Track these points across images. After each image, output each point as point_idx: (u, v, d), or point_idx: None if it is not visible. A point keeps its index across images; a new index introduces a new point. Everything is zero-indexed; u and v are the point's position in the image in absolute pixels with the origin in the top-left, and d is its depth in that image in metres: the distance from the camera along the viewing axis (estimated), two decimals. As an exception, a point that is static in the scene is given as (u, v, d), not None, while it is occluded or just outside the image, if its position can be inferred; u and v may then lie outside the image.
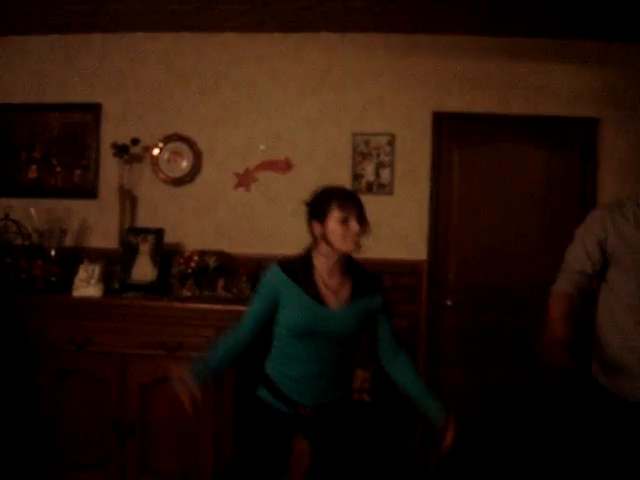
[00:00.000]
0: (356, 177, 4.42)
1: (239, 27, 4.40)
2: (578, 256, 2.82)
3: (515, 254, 4.41)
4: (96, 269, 4.07)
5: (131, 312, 3.90)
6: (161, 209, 4.49)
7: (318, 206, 2.63)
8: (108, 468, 3.89)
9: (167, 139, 4.49)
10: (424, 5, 3.90)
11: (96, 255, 4.26)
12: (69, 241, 4.42)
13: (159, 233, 4.25)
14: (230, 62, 4.51)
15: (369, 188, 4.40)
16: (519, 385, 4.36)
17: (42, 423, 3.92)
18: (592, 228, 2.82)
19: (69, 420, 3.93)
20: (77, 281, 4.05)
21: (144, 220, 4.49)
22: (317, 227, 2.61)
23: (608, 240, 2.75)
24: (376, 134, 4.43)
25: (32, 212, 4.35)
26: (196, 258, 4.11)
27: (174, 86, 4.55)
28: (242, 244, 4.42)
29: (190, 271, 4.06)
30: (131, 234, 4.28)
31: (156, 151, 4.49)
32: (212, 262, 4.08)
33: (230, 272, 4.10)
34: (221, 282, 4.04)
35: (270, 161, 4.46)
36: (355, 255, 2.65)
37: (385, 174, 4.41)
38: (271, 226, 4.45)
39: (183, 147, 4.49)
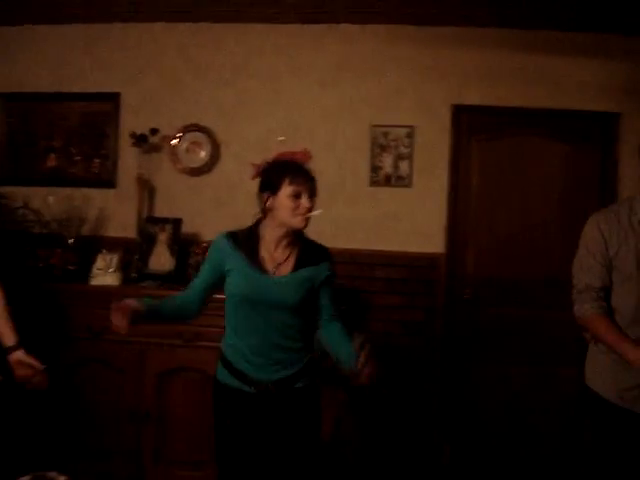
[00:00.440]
0: (374, 169, 4.49)
1: (258, 18, 4.48)
2: (593, 270, 2.75)
3: (533, 248, 4.47)
4: (114, 258, 4.20)
5: (148, 301, 4.00)
6: (179, 199, 4.59)
7: (271, 178, 2.70)
8: (123, 456, 4.01)
9: (186, 129, 4.59)
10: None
11: (114, 244, 4.39)
12: (87, 230, 4.54)
13: (177, 223, 4.36)
14: (249, 53, 4.61)
15: (387, 180, 4.48)
16: (537, 379, 4.42)
17: (59, 410, 4.05)
18: (594, 237, 2.76)
19: (86, 407, 4.04)
20: (95, 270, 4.17)
21: (162, 210, 4.60)
22: (268, 199, 2.66)
23: (609, 248, 2.72)
24: (395, 126, 4.50)
25: (50, 201, 4.47)
26: (214, 248, 4.21)
27: (193, 76, 4.65)
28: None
29: (207, 261, 4.17)
30: (149, 224, 4.40)
31: (174, 141, 4.59)
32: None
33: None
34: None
35: (288, 151, 4.53)
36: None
37: (404, 166, 4.49)
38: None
39: (201, 137, 4.58)
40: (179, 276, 4.21)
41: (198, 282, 2.79)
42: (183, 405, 3.96)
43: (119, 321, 2.50)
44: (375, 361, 2.51)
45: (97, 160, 4.70)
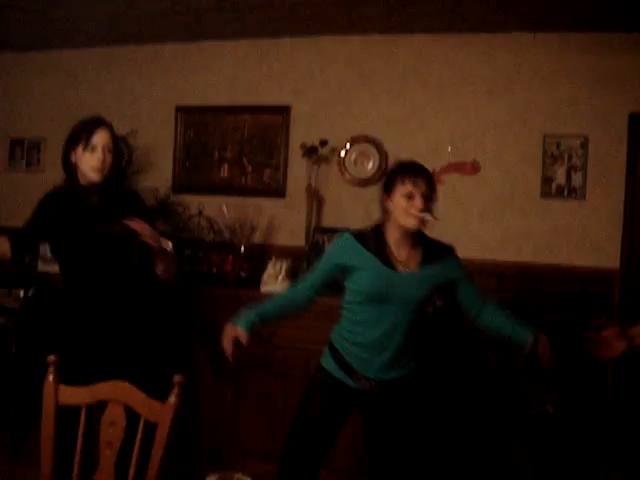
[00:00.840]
0: (546, 180, 4.48)
1: (428, 28, 4.59)
2: None
3: None
4: (284, 265, 4.43)
5: (318, 309, 4.17)
6: (347, 209, 4.76)
7: (387, 180, 2.78)
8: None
9: (354, 140, 4.77)
10: (620, 1, 3.89)
11: (283, 252, 4.62)
12: (258, 238, 4.81)
13: (341, 232, 4.54)
14: (417, 63, 4.72)
15: (559, 192, 4.46)
16: None
17: (226, 412, 4.33)
18: None
19: (252, 411, 4.30)
20: (265, 276, 4.41)
21: (330, 219, 4.80)
22: (385, 200, 2.76)
23: None
24: (568, 136, 4.47)
25: (224, 209, 4.78)
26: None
27: (361, 88, 4.82)
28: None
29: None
30: (318, 233, 4.62)
31: (343, 152, 4.78)
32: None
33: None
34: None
35: (457, 163, 4.64)
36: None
37: (577, 178, 4.44)
38: (457, 229, 4.59)
39: (370, 148, 4.75)
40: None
41: (313, 277, 2.93)
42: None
43: (228, 347, 2.76)
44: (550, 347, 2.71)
45: (268, 170, 4.97)
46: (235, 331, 2.78)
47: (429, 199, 2.73)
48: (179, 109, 5.18)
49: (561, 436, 4.30)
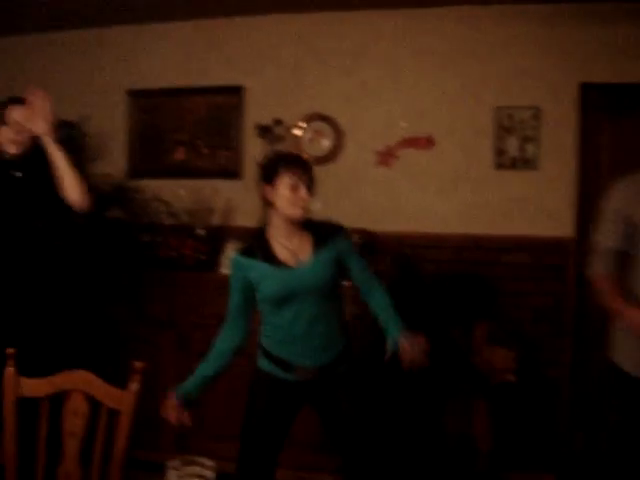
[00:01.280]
0: (500, 152, 4.53)
1: (378, 4, 4.59)
2: (604, 232, 2.87)
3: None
4: (243, 247, 4.44)
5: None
6: (305, 188, 4.78)
7: (269, 170, 2.81)
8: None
9: (309, 119, 4.79)
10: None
11: (242, 233, 4.59)
12: (216, 220, 4.81)
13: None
14: (369, 39, 4.73)
15: (513, 163, 4.53)
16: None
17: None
18: (614, 200, 2.87)
19: (218, 393, 4.28)
20: (225, 259, 4.42)
21: (287, 199, 4.81)
22: (267, 191, 2.79)
23: (633, 213, 2.78)
24: (520, 107, 4.52)
25: (182, 193, 4.78)
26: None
27: (314, 66, 4.82)
28: (384, 222, 4.64)
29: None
30: (273, 213, 4.63)
31: (298, 131, 4.80)
32: (355, 240, 4.34)
33: (373, 250, 4.36)
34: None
35: (411, 138, 4.67)
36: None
37: (530, 149, 4.50)
38: (413, 204, 4.65)
39: (325, 126, 4.77)
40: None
41: (234, 306, 2.94)
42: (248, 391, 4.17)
43: (178, 417, 2.82)
44: (422, 353, 2.77)
45: (223, 152, 4.97)
46: (172, 402, 2.81)
47: (311, 188, 2.78)
48: (130, 93, 5.14)
49: (522, 404, 4.40)
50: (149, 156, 5.13)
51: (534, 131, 4.50)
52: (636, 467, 2.85)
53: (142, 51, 5.11)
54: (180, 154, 5.04)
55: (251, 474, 2.98)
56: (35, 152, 3.24)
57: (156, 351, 4.33)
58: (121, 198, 4.82)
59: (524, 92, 4.53)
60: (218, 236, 4.67)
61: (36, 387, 2.25)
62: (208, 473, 1.68)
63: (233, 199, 4.89)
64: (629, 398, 2.87)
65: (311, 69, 4.82)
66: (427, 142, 4.62)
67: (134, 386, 2.17)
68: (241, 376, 4.13)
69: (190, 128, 5.03)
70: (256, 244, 2.87)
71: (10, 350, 2.25)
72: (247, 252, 2.86)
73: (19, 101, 3.20)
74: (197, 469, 1.69)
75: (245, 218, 4.78)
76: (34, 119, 3.11)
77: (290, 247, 2.81)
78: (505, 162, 4.54)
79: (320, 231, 2.87)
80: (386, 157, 4.63)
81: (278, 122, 4.69)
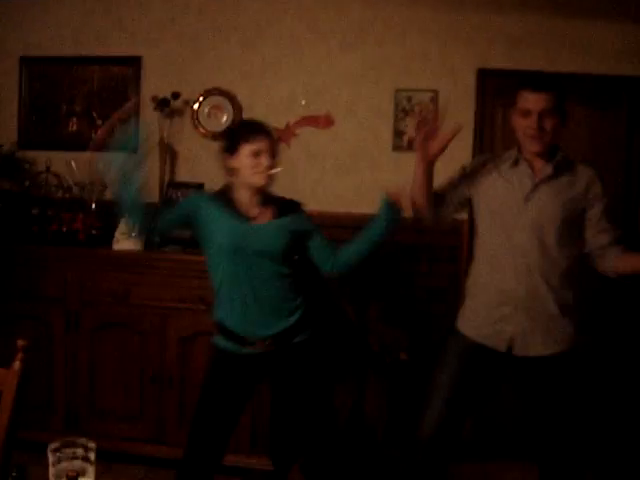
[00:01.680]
0: (398, 134, 4.59)
1: (280, -21, 4.55)
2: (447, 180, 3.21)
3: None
4: (136, 222, 4.35)
5: (171, 266, 4.16)
6: (201, 164, 4.70)
7: (231, 139, 2.86)
8: (146, 419, 4.21)
9: (207, 93, 4.72)
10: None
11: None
12: (110, 195, 4.69)
13: (199, 188, 4.50)
14: (271, 15, 4.69)
15: (411, 145, 4.58)
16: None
17: (82, 374, 4.26)
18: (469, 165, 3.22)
19: (108, 372, 4.25)
20: (118, 234, 4.31)
21: (184, 174, 4.75)
22: (228, 160, 2.84)
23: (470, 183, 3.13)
24: (419, 90, 4.58)
25: (73, 165, 4.64)
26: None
27: (214, 39, 4.75)
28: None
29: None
30: (171, 188, 4.56)
31: (196, 105, 4.73)
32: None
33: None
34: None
35: (311, 116, 4.66)
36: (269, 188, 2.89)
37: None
38: (311, 182, 4.66)
39: (223, 101, 4.71)
40: (201, 241, 4.33)
41: (168, 213, 3.02)
42: (205, 369, 4.12)
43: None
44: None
45: (119, 124, 4.84)
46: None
47: (274, 156, 2.80)
48: (23, 60, 4.95)
49: (416, 383, 4.46)
50: (41, 126, 4.95)
51: (432, 114, 4.54)
52: None
53: (36, 18, 4.91)
54: (74, 125, 4.88)
55: (201, 456, 2.93)
56: None
57: (46, 329, 4.22)
58: (11, 169, 4.66)
59: (423, 75, 4.61)
60: (111, 211, 4.54)
61: None
62: (90, 454, 1.63)
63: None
64: (463, 358, 3.13)
65: (211, 43, 4.75)
66: (326, 121, 4.63)
67: (16, 365, 2.09)
68: (132, 359, 4.12)
69: (85, 99, 4.89)
70: (220, 194, 2.90)
71: None
72: (212, 197, 2.91)
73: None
74: (79, 451, 1.64)
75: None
76: None
77: (251, 210, 2.85)
78: (403, 144, 4.58)
79: (282, 205, 2.91)
80: (285, 134, 4.61)
81: (176, 95, 4.60)
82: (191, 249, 4.20)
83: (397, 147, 4.58)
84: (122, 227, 4.27)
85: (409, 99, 4.57)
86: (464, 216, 4.41)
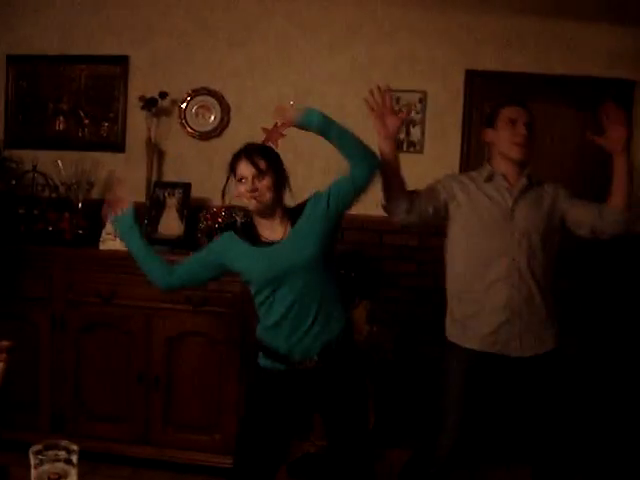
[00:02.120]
0: (386, 134, 4.59)
1: (269, -21, 4.55)
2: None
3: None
4: (123, 222, 4.34)
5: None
6: (189, 163, 4.71)
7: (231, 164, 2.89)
8: (132, 420, 4.19)
9: (195, 93, 4.71)
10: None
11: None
12: (96, 194, 4.67)
13: (186, 188, 4.49)
14: (260, 15, 4.69)
15: (398, 146, 4.56)
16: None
17: (67, 374, 4.23)
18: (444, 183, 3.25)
19: (94, 372, 4.23)
20: (104, 234, 4.29)
21: (171, 174, 4.74)
22: (228, 184, 2.89)
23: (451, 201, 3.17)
24: (408, 91, 4.59)
25: (59, 164, 4.61)
26: (223, 214, 4.35)
27: (202, 38, 4.74)
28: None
29: (217, 226, 4.29)
30: (158, 188, 4.54)
31: (184, 105, 4.72)
32: (239, 218, 4.31)
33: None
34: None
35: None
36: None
37: (415, 132, 4.59)
38: (299, 183, 4.61)
39: (211, 101, 4.71)
40: (189, 241, 4.33)
41: (186, 263, 3.00)
42: (191, 369, 4.11)
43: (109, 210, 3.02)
44: None
45: (106, 123, 4.83)
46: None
47: (261, 178, 2.84)
48: (10, 58, 4.93)
49: (401, 382, 4.47)
50: (28, 125, 4.93)
51: (420, 115, 4.57)
52: None
53: (24, 16, 4.89)
54: (60, 124, 4.87)
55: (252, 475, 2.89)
56: None
57: (32, 329, 4.20)
58: (-3, 168, 4.61)
59: (412, 76, 4.62)
60: (98, 211, 4.53)
61: None
62: (72, 457, 1.62)
63: (115, 173, 4.79)
64: (469, 373, 3.17)
65: (199, 42, 4.74)
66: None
67: (1, 365, 2.08)
68: (118, 359, 4.11)
69: (72, 98, 4.87)
70: (241, 227, 3.01)
71: None
72: (234, 231, 2.93)
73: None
74: (62, 453, 1.63)
75: (127, 193, 4.67)
76: None
77: (271, 232, 2.84)
78: (392, 144, 4.55)
79: (295, 212, 2.88)
80: (273, 134, 4.58)
81: (163, 94, 4.58)
82: (178, 250, 4.20)
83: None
84: (109, 227, 4.26)
85: (397, 100, 4.56)
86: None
